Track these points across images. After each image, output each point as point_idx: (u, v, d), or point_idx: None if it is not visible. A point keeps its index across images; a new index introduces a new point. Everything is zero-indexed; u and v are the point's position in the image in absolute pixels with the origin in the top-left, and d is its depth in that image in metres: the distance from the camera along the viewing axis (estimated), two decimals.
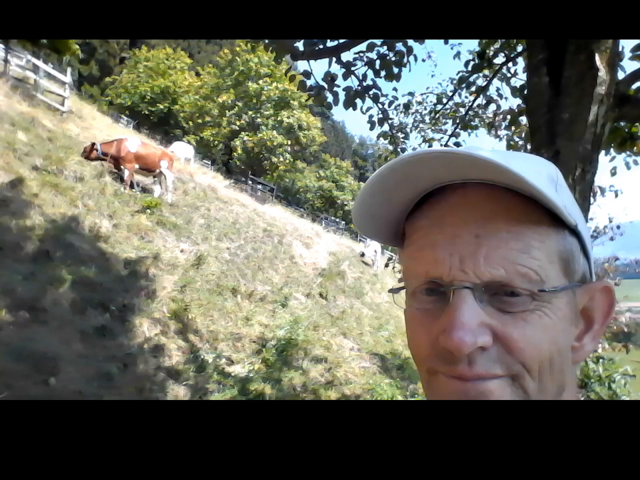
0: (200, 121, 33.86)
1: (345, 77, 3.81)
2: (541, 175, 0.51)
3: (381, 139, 5.13)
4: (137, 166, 11.06)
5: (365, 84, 3.91)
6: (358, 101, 3.87)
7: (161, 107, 36.07)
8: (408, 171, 0.50)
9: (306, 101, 4.05)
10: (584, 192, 2.08)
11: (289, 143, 31.56)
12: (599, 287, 0.53)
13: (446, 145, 5.16)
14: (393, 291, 0.58)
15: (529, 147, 4.83)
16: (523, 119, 4.44)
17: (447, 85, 6.60)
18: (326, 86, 3.80)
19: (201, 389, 5.94)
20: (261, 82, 31.50)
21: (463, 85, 5.21)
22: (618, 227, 9.86)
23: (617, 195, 6.53)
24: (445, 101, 6.11)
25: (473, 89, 5.35)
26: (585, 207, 2.12)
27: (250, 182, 29.10)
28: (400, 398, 6.92)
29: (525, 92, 2.86)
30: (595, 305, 0.53)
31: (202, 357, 6.74)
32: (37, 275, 5.80)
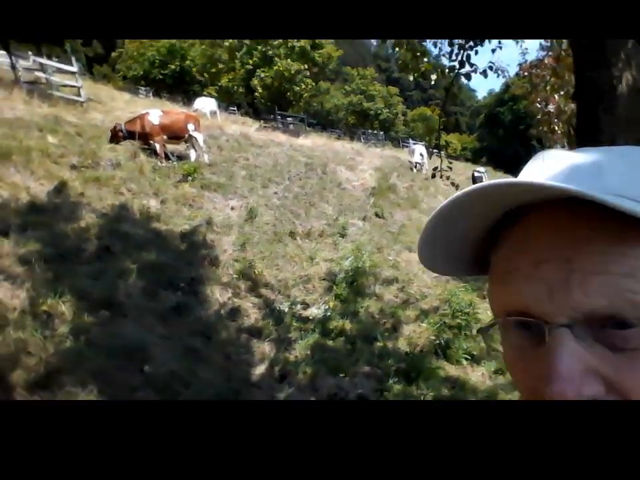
0: (214, 70, 33.24)
1: None
2: None
3: (397, 48, 4.75)
4: (165, 137, 11.05)
5: None
6: None
7: (172, 67, 35.61)
8: (476, 200, 0.44)
9: None
10: None
11: (306, 67, 30.53)
12: None
13: None
14: (482, 330, 0.50)
15: None
16: None
17: None
18: None
19: (284, 340, 6.11)
20: None
21: None
22: None
23: None
24: None
25: None
26: None
27: (279, 117, 28.64)
28: (478, 301, 6.86)
29: None
30: None
31: (277, 308, 6.90)
32: (105, 272, 6.03)
